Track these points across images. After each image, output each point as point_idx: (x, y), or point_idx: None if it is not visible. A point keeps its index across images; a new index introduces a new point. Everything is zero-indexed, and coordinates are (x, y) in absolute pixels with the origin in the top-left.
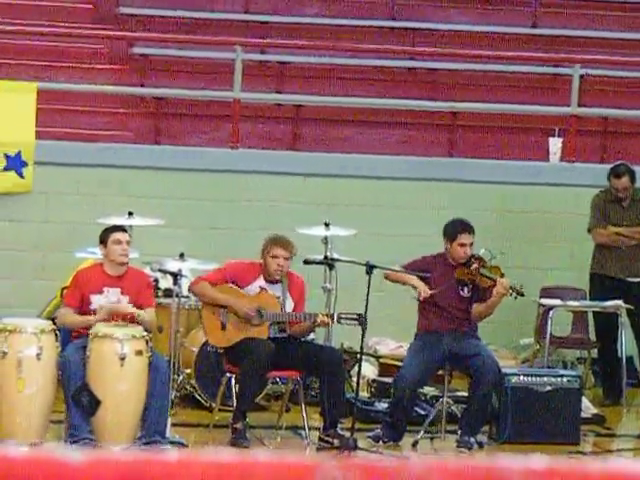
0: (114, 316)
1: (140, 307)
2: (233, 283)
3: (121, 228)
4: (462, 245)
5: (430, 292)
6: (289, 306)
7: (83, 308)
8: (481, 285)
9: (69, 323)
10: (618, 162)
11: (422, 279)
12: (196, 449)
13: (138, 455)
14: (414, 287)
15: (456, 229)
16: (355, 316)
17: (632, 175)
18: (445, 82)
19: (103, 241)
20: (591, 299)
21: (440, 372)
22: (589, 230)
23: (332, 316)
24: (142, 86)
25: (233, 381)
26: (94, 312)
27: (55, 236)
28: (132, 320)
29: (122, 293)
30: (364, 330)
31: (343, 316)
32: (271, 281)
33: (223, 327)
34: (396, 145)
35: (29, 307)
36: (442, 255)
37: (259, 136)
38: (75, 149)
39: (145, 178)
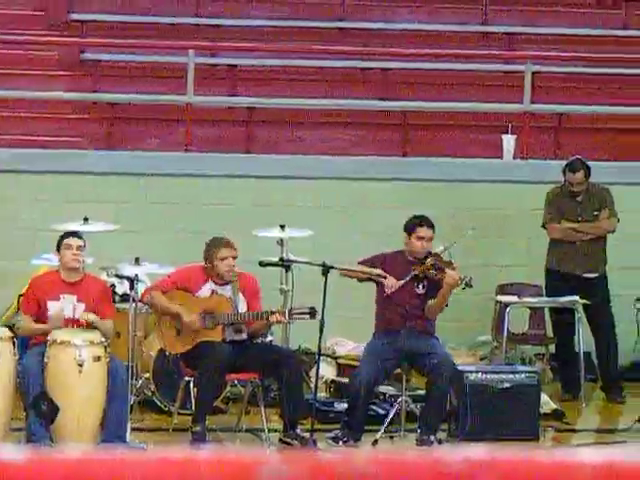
0: (71, 322)
1: (100, 317)
2: (184, 289)
3: (74, 234)
4: (420, 238)
5: (398, 283)
6: (242, 306)
7: (41, 315)
8: (433, 278)
9: (28, 331)
10: (573, 157)
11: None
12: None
13: (82, 453)
14: (376, 279)
15: (415, 222)
16: (307, 310)
17: (587, 170)
18: (396, 81)
19: (58, 247)
20: (547, 295)
21: (398, 371)
22: (544, 225)
23: (284, 313)
24: (94, 92)
25: (192, 385)
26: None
27: (10, 243)
28: (88, 325)
29: (78, 300)
30: (322, 330)
31: (295, 311)
32: (221, 283)
33: (178, 333)
34: (349, 145)
35: None
36: (401, 252)
37: (212, 139)
38: (28, 156)
39: (99, 183)
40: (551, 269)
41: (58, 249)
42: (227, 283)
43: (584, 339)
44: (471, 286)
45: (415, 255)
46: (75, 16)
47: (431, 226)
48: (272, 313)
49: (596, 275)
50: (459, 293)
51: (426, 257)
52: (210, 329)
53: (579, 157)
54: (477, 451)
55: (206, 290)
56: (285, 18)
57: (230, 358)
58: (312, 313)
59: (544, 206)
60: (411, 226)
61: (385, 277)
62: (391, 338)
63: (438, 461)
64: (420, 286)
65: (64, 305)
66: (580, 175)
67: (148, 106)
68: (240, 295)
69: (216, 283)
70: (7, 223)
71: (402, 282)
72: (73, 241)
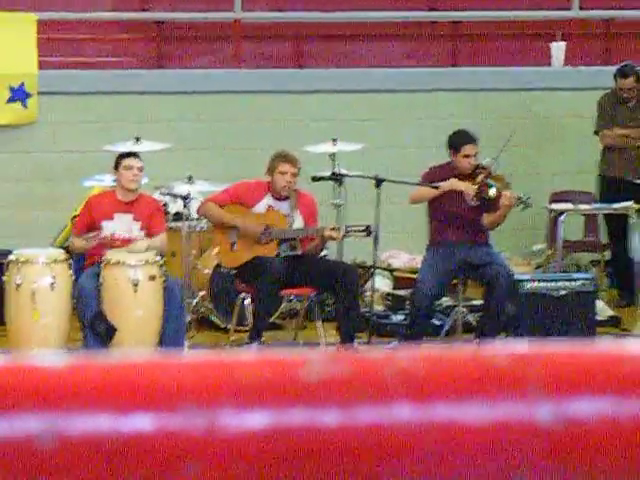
0: (122, 242)
1: (151, 232)
2: (240, 203)
3: (134, 155)
4: (467, 156)
5: (474, 189)
6: (298, 224)
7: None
8: (487, 196)
9: (77, 248)
10: (624, 62)
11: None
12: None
13: (125, 359)
14: (457, 189)
15: (460, 140)
16: (363, 227)
17: (638, 75)
18: None
19: (116, 167)
20: (601, 201)
21: (454, 281)
22: (596, 132)
23: (339, 229)
24: (143, 10)
25: (248, 301)
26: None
27: (62, 165)
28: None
29: (134, 219)
30: (376, 243)
31: (351, 228)
32: (279, 198)
33: (232, 248)
34: (400, 57)
35: (40, 238)
36: (449, 164)
37: (262, 55)
38: (78, 77)
39: (150, 103)
40: (604, 176)
41: (116, 168)
42: (285, 199)
43: (638, 244)
44: (530, 206)
45: (463, 172)
46: None
47: (476, 142)
48: (326, 229)
49: None
50: None
51: (475, 171)
52: (265, 244)
53: (630, 62)
54: (522, 346)
55: (262, 205)
56: None
57: (285, 273)
58: (368, 230)
59: (596, 113)
60: (457, 144)
61: (462, 190)
62: (448, 250)
63: (482, 356)
64: (473, 199)
65: (119, 224)
66: (631, 80)
67: (196, 24)
68: (297, 213)
69: (274, 198)
70: (57, 145)
71: (476, 187)
72: (134, 162)
